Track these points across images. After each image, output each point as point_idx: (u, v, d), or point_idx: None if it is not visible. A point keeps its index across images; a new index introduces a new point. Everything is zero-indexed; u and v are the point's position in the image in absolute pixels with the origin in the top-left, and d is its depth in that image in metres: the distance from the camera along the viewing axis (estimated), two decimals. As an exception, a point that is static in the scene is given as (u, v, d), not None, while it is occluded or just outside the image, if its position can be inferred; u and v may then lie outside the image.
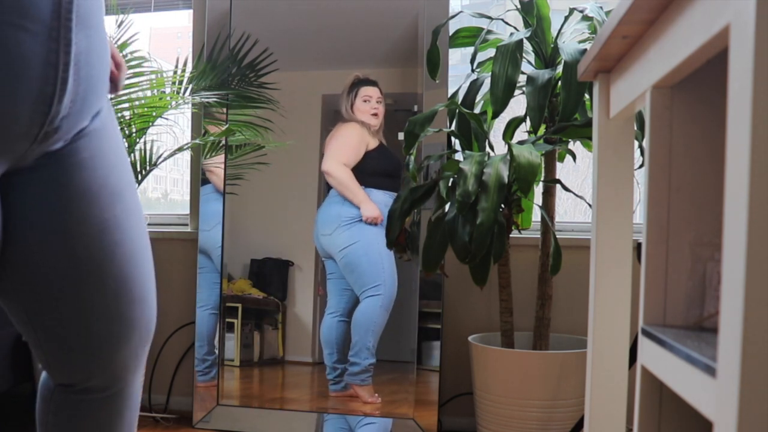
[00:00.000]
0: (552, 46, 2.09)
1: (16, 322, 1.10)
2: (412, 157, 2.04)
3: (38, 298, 1.06)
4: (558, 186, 2.11)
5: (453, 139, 2.32)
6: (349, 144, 2.48)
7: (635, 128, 1.75)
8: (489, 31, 2.15)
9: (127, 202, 1.11)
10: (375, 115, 2.48)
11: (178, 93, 2.41)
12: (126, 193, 1.11)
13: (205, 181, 2.59)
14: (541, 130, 2.00)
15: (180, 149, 2.41)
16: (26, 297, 1.07)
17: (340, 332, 2.47)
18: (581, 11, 2.06)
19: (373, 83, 2.49)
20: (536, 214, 2.31)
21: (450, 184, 1.99)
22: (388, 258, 2.43)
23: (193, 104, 2.49)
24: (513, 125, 2.27)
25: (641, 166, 1.83)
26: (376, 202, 2.44)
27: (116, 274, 1.09)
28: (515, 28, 2.19)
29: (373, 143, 2.48)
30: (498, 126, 2.32)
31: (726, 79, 0.58)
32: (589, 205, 1.92)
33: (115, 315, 1.10)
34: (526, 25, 2.12)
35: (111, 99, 1.20)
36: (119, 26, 2.27)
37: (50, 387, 1.16)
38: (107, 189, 1.07)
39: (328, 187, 2.50)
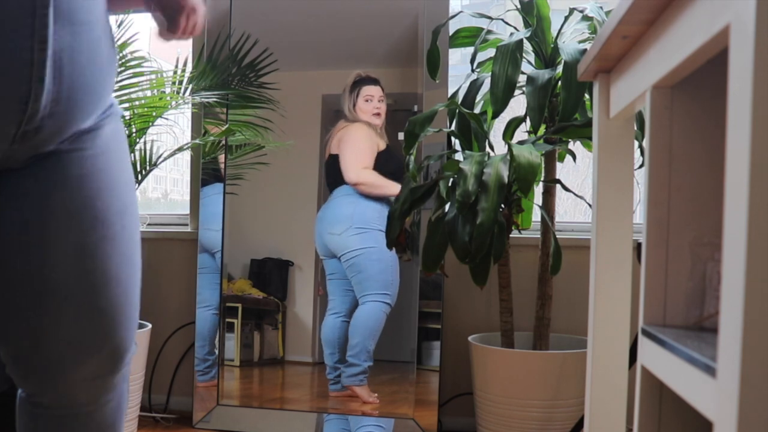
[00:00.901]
0: (552, 46, 2.09)
1: None
2: (412, 157, 2.04)
3: (1, 305, 1.04)
4: (558, 186, 2.11)
5: (453, 139, 2.32)
6: (363, 149, 2.47)
7: (635, 128, 1.75)
8: (489, 31, 2.15)
9: (113, 229, 1.05)
10: (377, 114, 2.48)
11: (178, 93, 2.41)
12: (113, 219, 1.05)
13: (205, 181, 2.59)
14: (541, 130, 2.00)
15: (180, 149, 2.41)
16: None
17: (342, 332, 2.47)
18: (581, 11, 2.06)
19: (375, 81, 2.49)
20: (536, 214, 2.31)
21: (450, 184, 1.99)
22: (396, 267, 2.42)
23: (193, 104, 2.49)
24: (513, 125, 2.27)
25: (641, 166, 1.83)
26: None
27: (80, 301, 1.04)
28: (515, 28, 2.19)
29: (382, 144, 2.48)
30: (498, 126, 2.32)
31: (726, 79, 0.58)
32: (589, 205, 1.92)
33: (70, 340, 1.05)
34: (526, 25, 2.12)
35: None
36: (119, 26, 2.26)
37: (19, 392, 1.15)
38: (90, 212, 1.03)
39: (330, 187, 2.49)
